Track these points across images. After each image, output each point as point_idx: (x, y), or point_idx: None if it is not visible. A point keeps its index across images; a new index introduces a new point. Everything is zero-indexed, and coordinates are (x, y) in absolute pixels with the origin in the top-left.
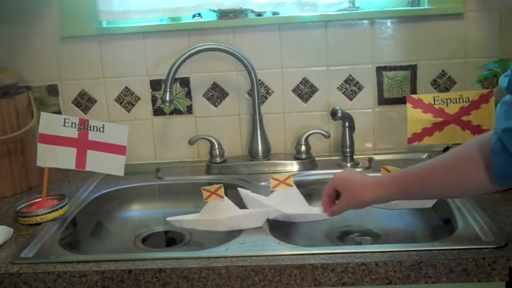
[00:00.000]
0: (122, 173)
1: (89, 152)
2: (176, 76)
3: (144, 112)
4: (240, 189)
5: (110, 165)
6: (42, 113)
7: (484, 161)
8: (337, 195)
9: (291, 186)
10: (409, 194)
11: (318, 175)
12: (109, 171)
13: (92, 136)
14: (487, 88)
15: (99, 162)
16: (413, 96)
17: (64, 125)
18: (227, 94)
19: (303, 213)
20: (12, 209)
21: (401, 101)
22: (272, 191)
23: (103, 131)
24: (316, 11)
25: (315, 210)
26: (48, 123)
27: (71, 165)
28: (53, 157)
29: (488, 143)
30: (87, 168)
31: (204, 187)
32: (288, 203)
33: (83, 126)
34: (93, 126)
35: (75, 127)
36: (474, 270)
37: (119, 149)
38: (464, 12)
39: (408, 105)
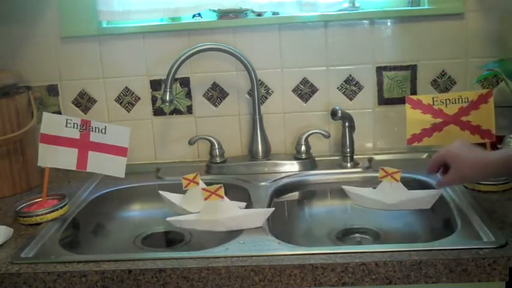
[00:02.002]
0: (122, 175)
1: (90, 153)
2: (176, 76)
3: (144, 112)
4: (344, 186)
5: (111, 166)
6: (44, 113)
7: None
8: (444, 168)
9: (398, 181)
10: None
11: (318, 175)
12: (110, 173)
13: (94, 137)
14: (487, 88)
15: (100, 164)
16: (412, 97)
17: (66, 126)
18: (227, 94)
19: (406, 200)
20: (12, 209)
21: (401, 101)
22: (380, 181)
23: (105, 132)
24: (316, 11)
25: (418, 194)
26: (50, 123)
27: (72, 165)
28: (54, 157)
29: None
30: (88, 169)
31: (204, 187)
32: (391, 194)
33: (85, 127)
34: (95, 127)
35: (77, 128)
36: (474, 270)
37: (120, 151)
38: (464, 12)
39: (407, 106)
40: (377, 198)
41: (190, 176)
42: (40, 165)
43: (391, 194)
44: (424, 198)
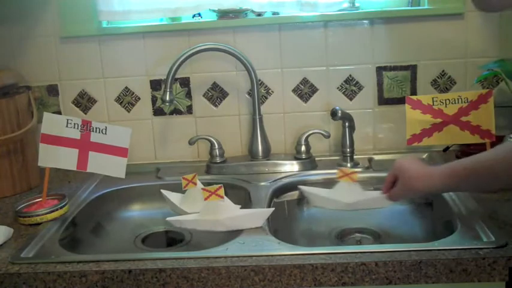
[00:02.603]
0: (123, 175)
1: (90, 153)
2: (176, 76)
3: (144, 112)
4: (300, 186)
5: (111, 167)
6: (45, 113)
7: None
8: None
9: (355, 181)
10: (459, 188)
11: (318, 175)
12: (110, 173)
13: (94, 138)
14: (487, 88)
15: (100, 164)
16: (412, 97)
17: (67, 126)
18: (227, 94)
19: (363, 199)
20: (12, 209)
21: (401, 101)
22: (337, 182)
23: (105, 133)
24: (316, 11)
25: (375, 195)
26: (51, 123)
27: (73, 166)
28: (54, 157)
29: None
30: (89, 170)
31: (204, 187)
32: (348, 193)
33: (86, 127)
34: (96, 128)
35: (77, 128)
36: (474, 270)
37: (120, 151)
38: (464, 12)
39: (407, 106)
40: (334, 198)
41: (190, 176)
42: (40, 165)
43: (348, 194)
44: (380, 198)
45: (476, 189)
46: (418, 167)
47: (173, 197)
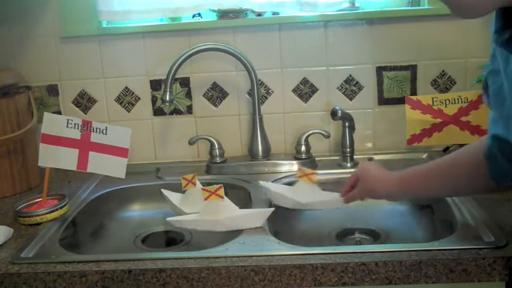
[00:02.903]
0: (123, 176)
1: (91, 153)
2: (176, 76)
3: (144, 112)
4: (261, 182)
5: (111, 167)
6: (45, 113)
7: (481, 163)
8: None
9: (314, 182)
10: (414, 193)
11: (318, 175)
12: (110, 173)
13: (95, 138)
14: None
15: (100, 164)
16: (412, 97)
17: (67, 126)
18: (227, 94)
19: (319, 200)
20: (12, 209)
21: (401, 101)
22: (296, 181)
23: (106, 133)
24: (316, 11)
25: (332, 196)
26: (51, 123)
27: (73, 166)
28: (54, 157)
29: (483, 149)
30: (89, 170)
31: (204, 187)
32: (306, 193)
33: (86, 127)
34: (96, 128)
35: (78, 128)
36: (474, 270)
37: (121, 152)
38: None
39: (407, 106)
40: (292, 196)
41: (189, 177)
42: (41, 165)
43: (305, 194)
44: (336, 199)
45: (436, 194)
46: (380, 171)
47: (173, 196)
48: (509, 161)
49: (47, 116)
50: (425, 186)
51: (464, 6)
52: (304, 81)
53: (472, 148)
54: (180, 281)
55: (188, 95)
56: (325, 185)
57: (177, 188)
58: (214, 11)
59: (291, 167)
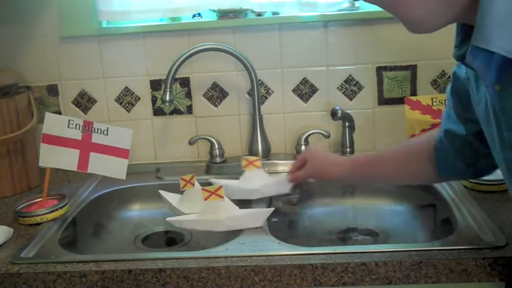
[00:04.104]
0: (123, 177)
1: (91, 154)
2: (176, 76)
3: (144, 112)
4: (211, 180)
5: (112, 168)
6: (46, 113)
7: (429, 154)
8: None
9: (259, 167)
10: (366, 177)
11: None
12: (111, 174)
13: (96, 138)
14: None
15: (101, 165)
16: (411, 97)
17: (68, 126)
18: (227, 94)
19: (269, 182)
20: (12, 209)
21: (401, 101)
22: (243, 171)
23: (107, 134)
24: (316, 11)
25: (280, 177)
26: (52, 123)
27: (73, 166)
28: (55, 158)
29: (434, 139)
30: (89, 171)
31: (204, 187)
32: (255, 180)
33: (87, 128)
34: (97, 129)
35: (79, 129)
36: (474, 270)
37: (121, 153)
38: None
39: (406, 107)
40: (239, 186)
41: (188, 177)
42: (41, 165)
43: (254, 180)
44: (283, 182)
45: (388, 179)
46: (329, 154)
47: (171, 197)
48: (456, 153)
49: (48, 116)
50: (378, 171)
51: (413, 20)
52: (304, 81)
53: (426, 137)
54: (180, 281)
55: (188, 95)
56: (325, 185)
57: (177, 188)
58: (214, 11)
59: (291, 167)
